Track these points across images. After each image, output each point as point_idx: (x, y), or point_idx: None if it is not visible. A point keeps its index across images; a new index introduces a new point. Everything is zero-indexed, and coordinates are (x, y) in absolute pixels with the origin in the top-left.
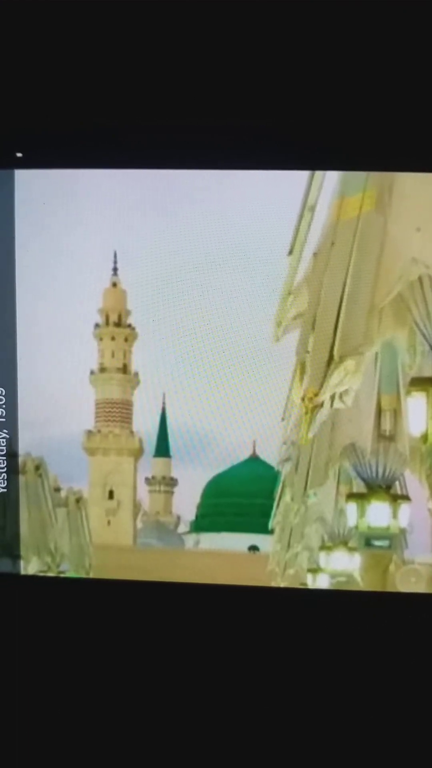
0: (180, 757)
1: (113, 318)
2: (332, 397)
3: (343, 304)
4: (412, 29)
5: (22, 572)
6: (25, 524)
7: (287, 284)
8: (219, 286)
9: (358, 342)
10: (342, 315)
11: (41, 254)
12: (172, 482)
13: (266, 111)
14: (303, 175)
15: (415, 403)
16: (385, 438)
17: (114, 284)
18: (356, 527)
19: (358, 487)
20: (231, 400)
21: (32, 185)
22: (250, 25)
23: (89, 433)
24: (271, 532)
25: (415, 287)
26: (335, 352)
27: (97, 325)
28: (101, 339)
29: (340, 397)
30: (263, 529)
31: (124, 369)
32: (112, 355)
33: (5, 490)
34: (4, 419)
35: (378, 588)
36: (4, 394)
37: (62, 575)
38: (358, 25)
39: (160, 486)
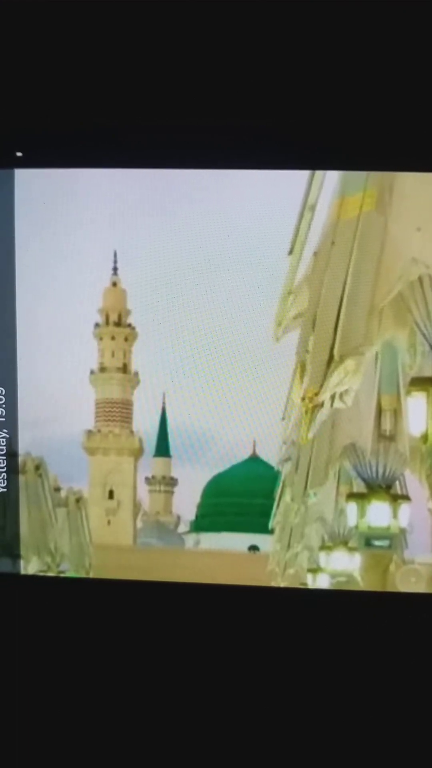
0: (180, 757)
1: (113, 318)
2: (332, 397)
3: (344, 303)
4: (412, 29)
5: (22, 572)
6: (25, 524)
7: (287, 284)
8: (219, 286)
9: (358, 342)
10: (342, 315)
11: (41, 254)
12: (172, 482)
13: (266, 111)
14: (303, 174)
15: (415, 403)
16: (385, 438)
17: (114, 284)
18: (356, 527)
19: (358, 487)
20: (231, 399)
21: (32, 185)
22: (249, 26)
23: (89, 432)
24: (271, 532)
25: (416, 287)
26: (335, 352)
27: (97, 325)
28: (101, 339)
29: (340, 396)
30: (263, 529)
31: (124, 369)
32: (112, 355)
33: (5, 490)
34: (4, 419)
35: (378, 588)
36: (4, 394)
37: (62, 575)
38: (357, 26)
39: (160, 486)
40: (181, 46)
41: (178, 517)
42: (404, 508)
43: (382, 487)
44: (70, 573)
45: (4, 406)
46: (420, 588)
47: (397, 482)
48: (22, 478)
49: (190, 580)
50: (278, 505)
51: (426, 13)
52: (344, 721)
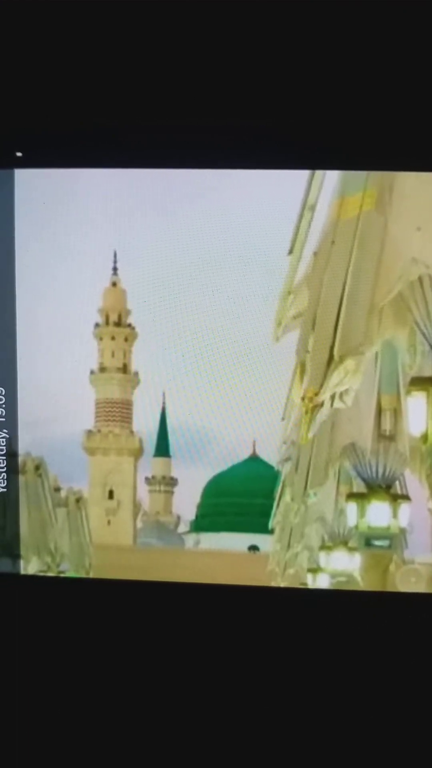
0: (180, 757)
1: (113, 318)
2: (332, 397)
3: (343, 303)
4: (412, 29)
5: (22, 572)
6: (25, 524)
7: (287, 284)
8: (219, 286)
9: (358, 342)
10: (342, 314)
11: (41, 254)
12: (172, 482)
13: (266, 111)
14: (303, 174)
15: (415, 403)
16: (385, 438)
17: (114, 284)
18: (356, 527)
19: (358, 486)
20: (231, 399)
21: (32, 185)
22: (249, 26)
23: (89, 432)
24: (271, 532)
25: (416, 287)
26: (335, 352)
27: (97, 325)
28: (101, 339)
29: (340, 396)
30: (263, 528)
31: (124, 369)
32: (112, 355)
33: (5, 490)
34: (4, 419)
35: (378, 588)
36: (4, 394)
37: (62, 575)
38: (357, 26)
39: (160, 486)
40: (180, 46)
41: (178, 517)
42: (404, 508)
43: (382, 487)
44: (70, 573)
45: (4, 406)
46: (420, 588)
47: (397, 482)
48: (22, 478)
49: (190, 580)
50: (278, 505)
51: (426, 13)
52: (344, 720)
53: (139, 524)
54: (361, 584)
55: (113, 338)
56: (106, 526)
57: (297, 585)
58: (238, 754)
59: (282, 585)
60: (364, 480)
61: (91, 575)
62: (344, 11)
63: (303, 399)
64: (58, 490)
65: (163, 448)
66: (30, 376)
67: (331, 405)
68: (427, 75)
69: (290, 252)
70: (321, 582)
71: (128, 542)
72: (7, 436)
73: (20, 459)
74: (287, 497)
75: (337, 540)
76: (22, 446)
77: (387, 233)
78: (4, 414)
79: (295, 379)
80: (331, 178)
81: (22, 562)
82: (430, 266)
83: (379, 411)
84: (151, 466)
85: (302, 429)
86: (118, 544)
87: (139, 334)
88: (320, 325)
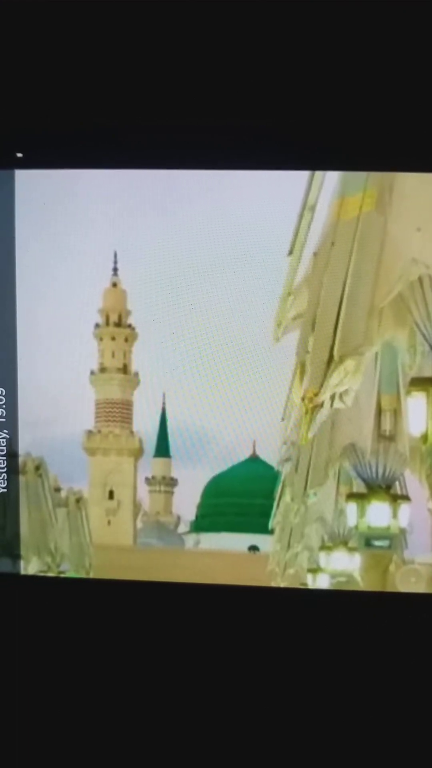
0: (180, 757)
1: (113, 318)
2: (332, 397)
3: (343, 304)
4: (412, 29)
5: (22, 572)
6: (25, 524)
7: (287, 284)
8: (219, 286)
9: (358, 342)
10: (342, 315)
11: (41, 254)
12: (172, 482)
13: (266, 111)
14: (303, 175)
15: (415, 403)
16: (385, 438)
17: (114, 284)
18: (356, 527)
19: (358, 487)
20: (231, 400)
21: (32, 185)
22: (249, 25)
23: (89, 433)
24: (271, 532)
25: (416, 287)
26: (335, 352)
27: (97, 325)
28: (101, 339)
29: (340, 397)
30: (263, 529)
31: (124, 369)
32: (112, 355)
33: (5, 490)
34: (4, 419)
35: (378, 588)
36: (4, 394)
37: (62, 575)
38: (357, 26)
39: (160, 486)
40: (180, 46)
41: (178, 518)
42: (404, 508)
43: (382, 487)
44: (70, 573)
45: (4, 406)
46: (420, 588)
47: (397, 482)
48: (22, 479)
49: (190, 580)
50: (278, 505)
51: (426, 13)
52: (344, 720)
53: (139, 524)
54: (361, 584)
55: (113, 339)
56: (106, 526)
57: (297, 585)
58: (238, 754)
59: (282, 585)
60: (364, 480)
61: (91, 575)
62: (344, 12)
63: (303, 399)
64: (58, 490)
65: (163, 448)
66: (30, 376)
67: (331, 405)
68: (426, 75)
69: (290, 252)
70: (321, 582)
71: (128, 542)
72: (8, 436)
73: (20, 459)
74: (287, 497)
75: (337, 540)
76: (23, 446)
77: (387, 234)
78: (4, 414)
79: (295, 379)
80: (331, 178)
81: (22, 562)
82: (430, 266)
83: (379, 411)
84: (151, 466)
85: (302, 429)
86: (118, 544)
87: (139, 335)
88: (320, 325)
